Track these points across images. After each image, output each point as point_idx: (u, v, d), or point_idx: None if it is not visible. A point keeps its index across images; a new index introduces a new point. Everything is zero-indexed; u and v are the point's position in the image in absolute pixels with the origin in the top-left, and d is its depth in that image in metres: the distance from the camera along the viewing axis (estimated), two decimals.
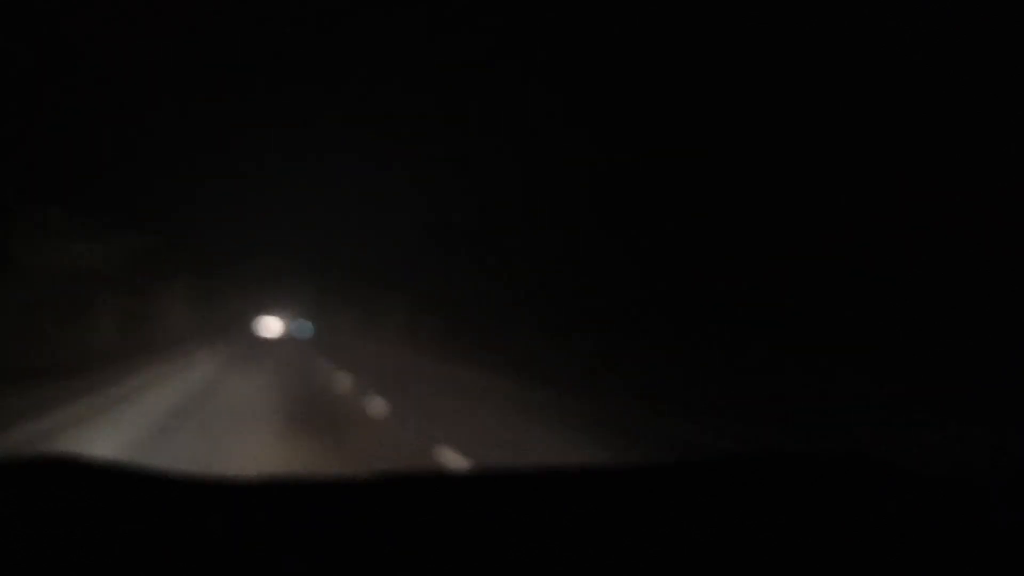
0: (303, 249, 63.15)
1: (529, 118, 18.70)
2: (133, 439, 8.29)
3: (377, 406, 11.80)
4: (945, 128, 9.42)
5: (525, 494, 1.69)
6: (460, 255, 25.90)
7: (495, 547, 1.35)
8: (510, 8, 17.96)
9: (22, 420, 8.60)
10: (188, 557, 1.25)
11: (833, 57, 10.49)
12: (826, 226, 10.97)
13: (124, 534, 1.31)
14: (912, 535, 1.40)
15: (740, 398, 10.21)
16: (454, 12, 19.27)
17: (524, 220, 20.42)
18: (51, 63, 15.59)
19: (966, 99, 9.21)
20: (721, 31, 12.32)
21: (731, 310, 12.42)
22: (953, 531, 1.42)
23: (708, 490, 1.72)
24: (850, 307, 10.23)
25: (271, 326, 50.91)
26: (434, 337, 29.31)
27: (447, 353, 24.38)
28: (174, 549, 1.28)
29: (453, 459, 7.58)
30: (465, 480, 2.27)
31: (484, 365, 18.93)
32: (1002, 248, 8.66)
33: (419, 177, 27.95)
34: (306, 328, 51.45)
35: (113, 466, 1.64)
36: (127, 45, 17.31)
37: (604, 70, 15.34)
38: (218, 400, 12.39)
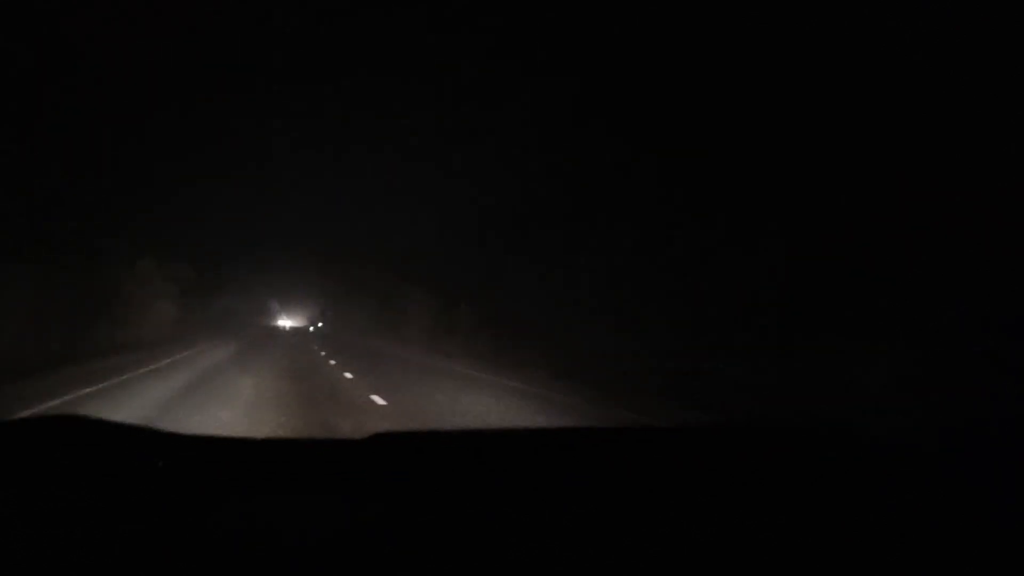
0: (320, 243, 61.69)
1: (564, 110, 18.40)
2: (200, 373, 15.62)
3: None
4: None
5: (511, 454, 1.82)
6: (512, 245, 23.71)
7: (494, 508, 1.50)
8: None
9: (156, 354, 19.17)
10: (190, 510, 1.39)
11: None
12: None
13: (128, 489, 1.44)
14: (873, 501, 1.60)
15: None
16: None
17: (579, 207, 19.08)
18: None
19: (964, 103, 9.41)
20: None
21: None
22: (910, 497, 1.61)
23: (694, 455, 1.88)
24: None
25: (285, 321, 67.45)
26: (468, 334, 26.98)
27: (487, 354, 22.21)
28: (176, 503, 1.40)
29: None
30: (460, 437, 2.21)
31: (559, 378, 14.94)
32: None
33: (457, 166, 26.93)
34: (317, 321, 55.37)
35: (118, 425, 1.77)
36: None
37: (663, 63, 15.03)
38: (245, 358, 21.08)
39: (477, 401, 11.57)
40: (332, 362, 20.26)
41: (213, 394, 11.57)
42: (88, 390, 11.39)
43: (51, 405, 9.54)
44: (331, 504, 1.49)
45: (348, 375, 15.94)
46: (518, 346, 19.97)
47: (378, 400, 11.24)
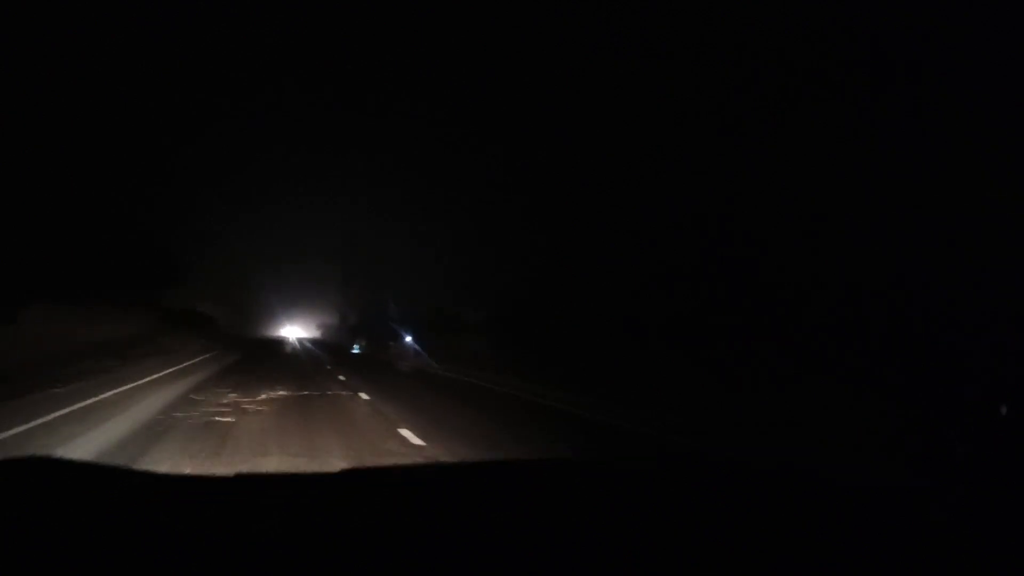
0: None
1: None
2: (224, 367, 19.01)
3: None
4: None
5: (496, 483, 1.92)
6: None
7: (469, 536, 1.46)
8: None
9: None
10: (165, 551, 1.33)
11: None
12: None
13: (102, 529, 1.40)
14: (822, 535, 1.60)
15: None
16: None
17: None
18: None
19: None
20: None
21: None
22: (865, 532, 1.61)
23: (641, 489, 1.99)
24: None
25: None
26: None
27: None
28: (152, 543, 1.35)
29: None
30: (435, 470, 2.40)
31: None
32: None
33: None
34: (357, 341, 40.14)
35: (89, 465, 1.80)
36: None
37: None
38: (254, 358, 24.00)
39: None
40: None
41: None
42: None
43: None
44: (305, 548, 1.41)
45: None
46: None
47: None
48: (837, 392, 9.32)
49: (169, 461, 6.12)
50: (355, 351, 35.95)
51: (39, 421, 7.93)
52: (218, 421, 8.72)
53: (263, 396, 11.77)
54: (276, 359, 26.31)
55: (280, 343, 51.21)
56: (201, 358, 22.21)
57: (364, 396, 12.48)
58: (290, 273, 74.10)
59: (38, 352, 17.48)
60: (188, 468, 5.84)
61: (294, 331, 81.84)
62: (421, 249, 36.09)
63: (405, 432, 8.19)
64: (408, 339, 26.87)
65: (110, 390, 11.32)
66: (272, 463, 6.17)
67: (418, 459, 6.51)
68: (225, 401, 10.85)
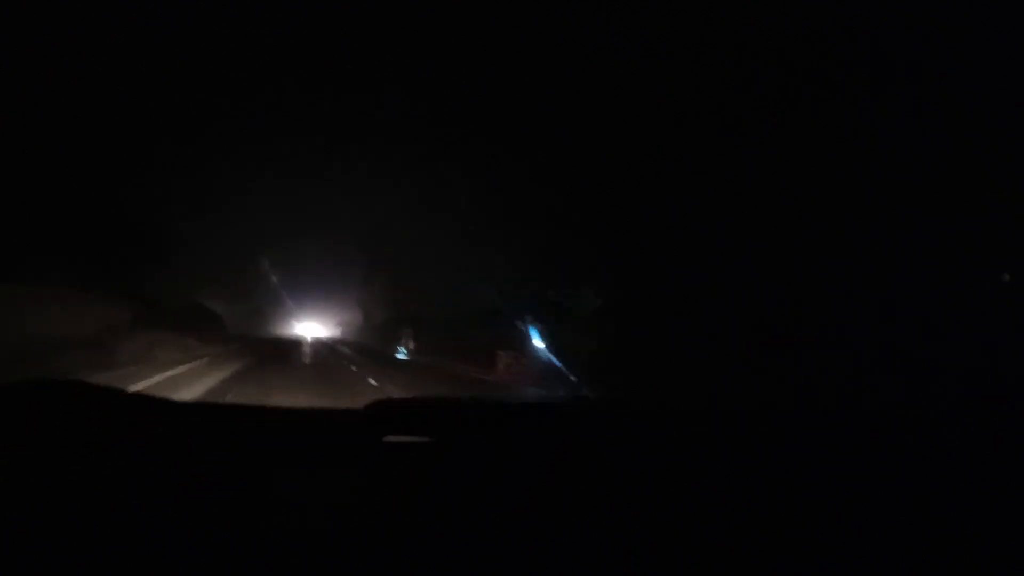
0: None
1: None
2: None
3: None
4: None
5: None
6: None
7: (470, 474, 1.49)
8: None
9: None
10: (178, 472, 1.37)
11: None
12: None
13: (121, 449, 1.42)
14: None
15: None
16: None
17: None
18: None
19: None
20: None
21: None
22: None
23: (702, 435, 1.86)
24: None
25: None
26: None
27: None
28: (165, 465, 1.39)
29: None
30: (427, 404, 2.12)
31: None
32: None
33: None
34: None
35: (110, 388, 1.73)
36: None
37: None
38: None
39: None
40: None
41: None
42: None
43: None
44: (335, 478, 1.45)
45: None
46: None
47: None
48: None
49: None
50: (400, 355, 26.41)
51: None
52: None
53: None
54: (289, 374, 16.77)
55: (297, 344, 41.94)
56: (163, 376, 12.84)
57: None
58: (307, 268, 65.06)
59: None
60: None
61: (311, 328, 72.74)
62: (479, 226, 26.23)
63: None
64: (538, 342, 16.00)
65: None
66: None
67: None
68: None
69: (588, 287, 19.78)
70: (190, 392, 10.45)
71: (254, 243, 53.35)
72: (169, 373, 13.59)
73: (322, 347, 37.15)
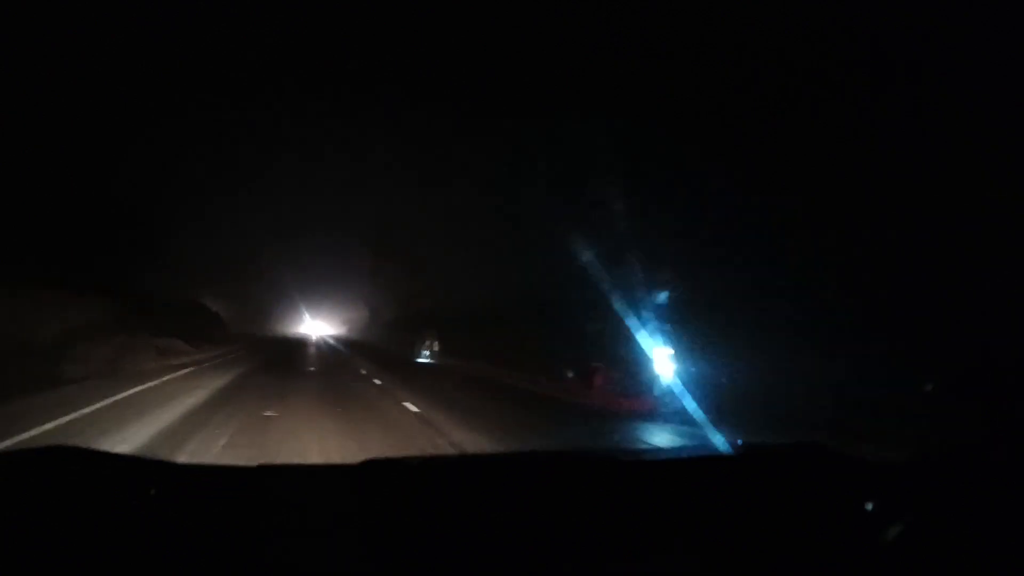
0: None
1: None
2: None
3: None
4: None
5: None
6: None
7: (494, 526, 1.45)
8: None
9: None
10: (188, 539, 1.33)
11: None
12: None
13: (126, 518, 1.38)
14: (853, 515, 1.60)
15: None
16: None
17: None
18: None
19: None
20: None
21: None
22: (890, 509, 1.58)
23: (689, 480, 1.87)
24: None
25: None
26: None
27: None
28: (175, 531, 1.35)
29: None
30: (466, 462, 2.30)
31: None
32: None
33: None
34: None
35: (117, 456, 1.78)
36: None
37: None
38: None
39: None
40: None
41: None
42: None
43: None
44: (325, 543, 1.42)
45: None
46: None
47: None
48: None
49: None
50: (423, 359, 22.38)
51: None
52: None
53: None
54: (290, 399, 12.76)
55: (302, 345, 38.01)
56: (109, 400, 8.94)
57: None
58: (311, 264, 61.08)
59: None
60: None
61: (317, 327, 69.51)
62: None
63: None
64: (664, 351, 11.02)
65: None
66: None
67: None
68: None
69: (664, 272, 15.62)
70: (134, 438, 6.43)
71: (257, 239, 49.22)
72: (120, 396, 9.63)
73: (329, 351, 33.14)
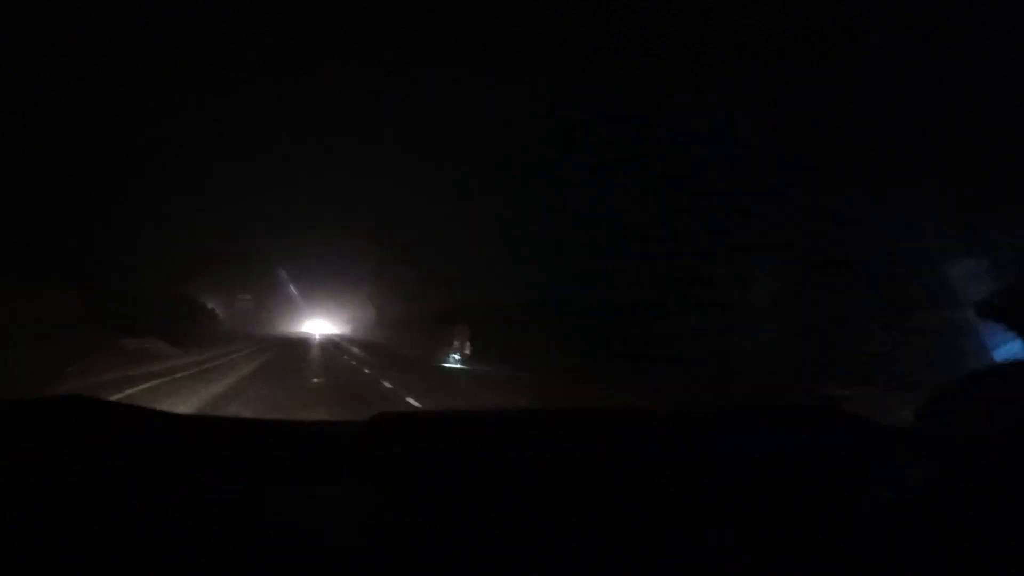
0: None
1: None
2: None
3: None
4: None
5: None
6: None
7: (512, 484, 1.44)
8: None
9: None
10: (192, 488, 1.33)
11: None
12: None
13: (135, 466, 1.39)
14: (874, 477, 1.60)
15: None
16: None
17: None
18: None
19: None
20: None
21: None
22: (906, 473, 1.61)
23: (708, 436, 1.89)
24: None
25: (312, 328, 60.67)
26: None
27: None
28: (180, 481, 1.36)
29: None
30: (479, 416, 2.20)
31: None
32: None
33: None
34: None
35: (126, 405, 1.78)
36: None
37: None
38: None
39: None
40: None
41: None
42: None
43: None
44: (336, 493, 1.43)
45: None
46: None
47: None
48: None
49: None
50: (452, 363, 18.65)
51: None
52: None
53: None
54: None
55: (305, 346, 34.45)
56: None
57: None
58: (314, 258, 58.09)
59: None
60: None
61: (320, 326, 66.62)
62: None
63: None
64: None
65: None
66: None
67: None
68: None
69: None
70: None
71: (256, 230, 45.63)
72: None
73: (338, 353, 29.39)
